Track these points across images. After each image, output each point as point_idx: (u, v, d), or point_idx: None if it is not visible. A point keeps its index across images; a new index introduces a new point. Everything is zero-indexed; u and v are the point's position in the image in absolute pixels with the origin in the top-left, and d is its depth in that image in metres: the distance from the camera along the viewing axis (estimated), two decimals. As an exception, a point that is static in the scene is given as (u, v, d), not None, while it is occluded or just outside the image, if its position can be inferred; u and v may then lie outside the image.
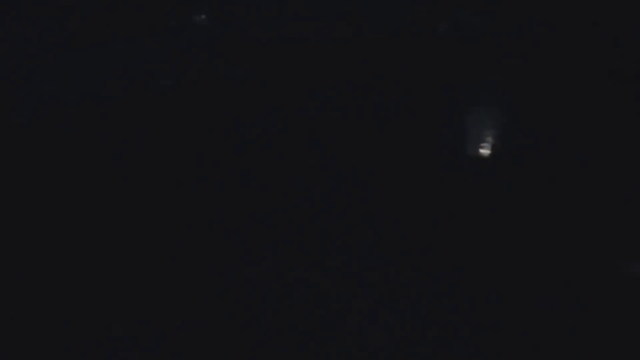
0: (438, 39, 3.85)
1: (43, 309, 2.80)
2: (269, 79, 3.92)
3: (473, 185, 3.39)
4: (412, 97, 3.71)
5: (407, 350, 2.59)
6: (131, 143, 3.67)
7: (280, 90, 3.86)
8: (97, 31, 4.06)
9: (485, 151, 3.48)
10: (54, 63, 3.99)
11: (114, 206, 3.28)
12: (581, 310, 2.79)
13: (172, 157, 3.60)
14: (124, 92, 3.92)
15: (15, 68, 3.96)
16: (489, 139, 3.50)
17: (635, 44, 3.71)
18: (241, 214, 3.24)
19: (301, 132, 3.65)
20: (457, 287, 2.87)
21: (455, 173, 3.43)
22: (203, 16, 4.12)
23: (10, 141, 3.64)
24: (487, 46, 3.85)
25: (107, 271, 2.96)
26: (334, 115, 3.71)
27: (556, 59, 3.76)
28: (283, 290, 2.82)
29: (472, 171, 3.45)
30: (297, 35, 4.02)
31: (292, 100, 3.81)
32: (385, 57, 3.85)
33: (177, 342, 2.64)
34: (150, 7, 4.13)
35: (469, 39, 3.86)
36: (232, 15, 4.13)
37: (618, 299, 2.81)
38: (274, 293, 2.80)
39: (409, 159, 3.48)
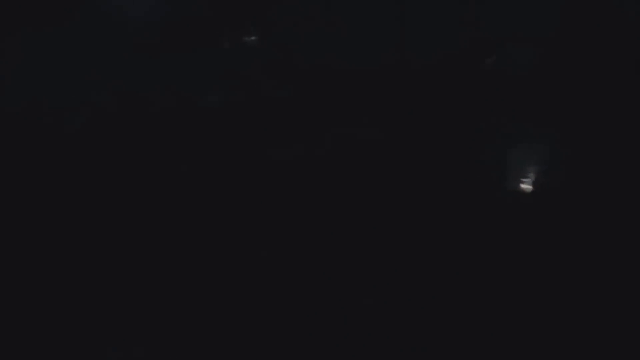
0: (485, 71, 3.85)
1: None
2: (313, 102, 3.96)
3: (511, 218, 3.36)
4: (452, 128, 3.70)
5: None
6: (174, 154, 3.73)
7: (324, 114, 3.89)
8: (152, 45, 4.16)
9: (526, 186, 3.46)
10: (108, 73, 4.10)
11: (147, 213, 3.33)
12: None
13: (213, 171, 3.64)
14: (173, 105, 3.99)
15: (71, 75, 4.07)
16: (531, 174, 3.48)
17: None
18: (270, 229, 3.25)
19: (342, 155, 3.66)
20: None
21: (495, 207, 3.41)
22: (253, 37, 4.19)
23: (54, 144, 3.73)
24: (534, 81, 3.83)
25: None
26: (375, 141, 3.72)
27: (606, 98, 3.72)
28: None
29: (512, 205, 3.42)
30: (343, 61, 4.06)
31: (334, 124, 3.83)
32: (430, 86, 3.86)
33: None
34: (204, 27, 4.22)
35: (517, 73, 3.84)
36: (283, 39, 4.18)
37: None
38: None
39: (447, 188, 3.47)
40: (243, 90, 4.05)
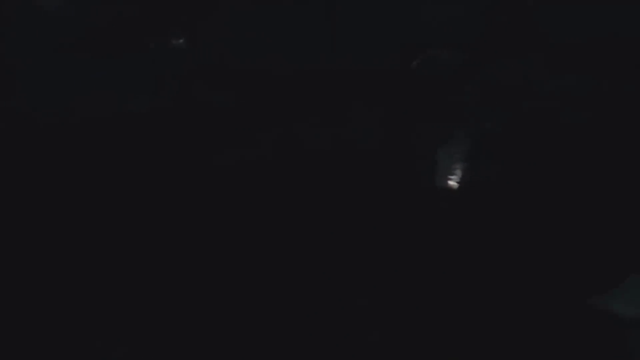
0: (410, 75, 3.94)
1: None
2: (246, 106, 3.95)
3: (441, 215, 3.42)
4: (382, 129, 3.77)
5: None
6: (100, 167, 3.61)
7: (257, 119, 3.89)
8: (70, 50, 4.08)
9: (453, 183, 3.55)
10: (26, 76, 4.00)
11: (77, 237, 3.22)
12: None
13: (142, 183, 3.56)
14: (95, 115, 3.90)
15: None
16: (458, 172, 3.57)
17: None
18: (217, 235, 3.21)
19: (277, 161, 3.64)
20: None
21: (423, 205, 3.47)
22: (181, 40, 4.16)
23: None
24: (460, 84, 3.93)
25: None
26: (307, 145, 3.73)
27: (530, 98, 3.85)
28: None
29: (441, 203, 3.49)
30: (274, 65, 4.08)
31: (266, 129, 3.83)
32: (358, 89, 3.93)
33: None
34: (126, 29, 4.16)
35: (443, 76, 3.95)
36: (212, 40, 4.17)
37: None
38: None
39: (377, 187, 3.51)
40: (175, 95, 4.00)
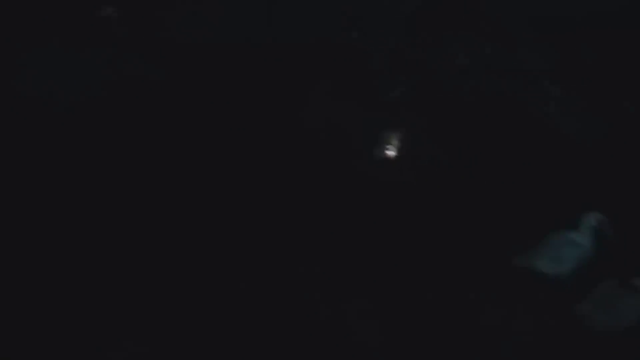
0: (349, 46, 4.03)
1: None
2: (185, 82, 3.93)
3: (380, 184, 3.59)
4: (325, 102, 3.87)
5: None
6: (44, 151, 3.55)
7: (195, 95, 3.86)
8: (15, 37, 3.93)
9: (391, 153, 3.74)
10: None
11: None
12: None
13: (89, 166, 3.51)
14: (39, 105, 3.80)
15: None
16: (395, 142, 3.74)
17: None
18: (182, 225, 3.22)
19: (218, 137, 3.67)
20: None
21: (363, 175, 3.64)
22: (115, 13, 4.10)
23: None
24: (397, 55, 4.05)
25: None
26: (249, 122, 3.77)
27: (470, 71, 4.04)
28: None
29: (379, 172, 3.68)
30: (214, 39, 4.07)
31: (205, 105, 3.83)
32: (299, 63, 3.99)
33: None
34: (59, 9, 4.03)
35: (379, 51, 4.06)
36: (148, 16, 4.12)
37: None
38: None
39: (319, 165, 3.64)
40: (111, 71, 3.92)
